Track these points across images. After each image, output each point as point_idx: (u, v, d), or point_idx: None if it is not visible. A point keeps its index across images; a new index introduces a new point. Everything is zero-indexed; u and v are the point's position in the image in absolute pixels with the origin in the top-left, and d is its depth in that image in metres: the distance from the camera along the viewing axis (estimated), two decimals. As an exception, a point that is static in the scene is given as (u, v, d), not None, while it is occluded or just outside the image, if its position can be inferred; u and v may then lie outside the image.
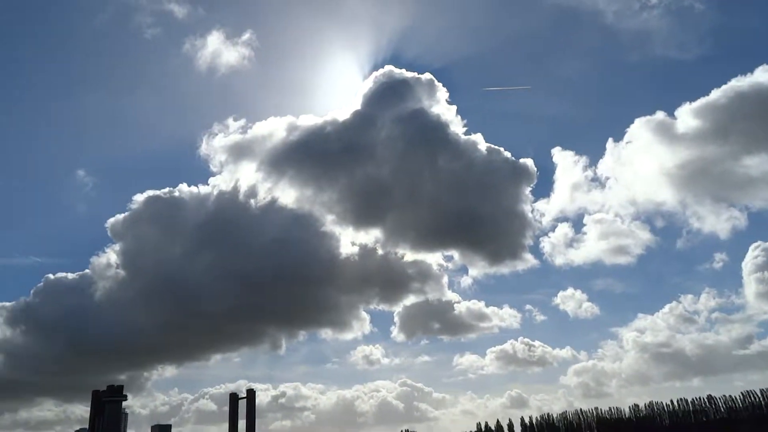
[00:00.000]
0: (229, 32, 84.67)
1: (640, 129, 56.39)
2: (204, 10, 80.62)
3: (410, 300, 59.09)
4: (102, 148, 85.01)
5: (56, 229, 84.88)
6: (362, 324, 59.10)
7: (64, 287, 47.24)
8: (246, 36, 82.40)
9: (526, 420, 52.89)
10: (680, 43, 77.47)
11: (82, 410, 52.24)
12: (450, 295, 67.24)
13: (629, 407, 50.96)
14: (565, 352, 72.01)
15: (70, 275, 48.40)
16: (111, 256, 48.10)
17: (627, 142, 58.98)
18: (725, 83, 52.66)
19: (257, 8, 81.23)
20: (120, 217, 47.03)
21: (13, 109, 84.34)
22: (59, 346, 43.89)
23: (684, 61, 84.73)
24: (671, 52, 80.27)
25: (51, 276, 49.50)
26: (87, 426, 24.25)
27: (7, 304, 50.23)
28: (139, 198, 47.40)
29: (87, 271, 48.38)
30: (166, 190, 47.71)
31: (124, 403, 21.39)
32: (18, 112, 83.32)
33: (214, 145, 53.01)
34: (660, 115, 55.65)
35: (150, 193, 47.11)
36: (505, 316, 72.67)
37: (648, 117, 57.28)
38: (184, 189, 48.85)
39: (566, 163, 65.79)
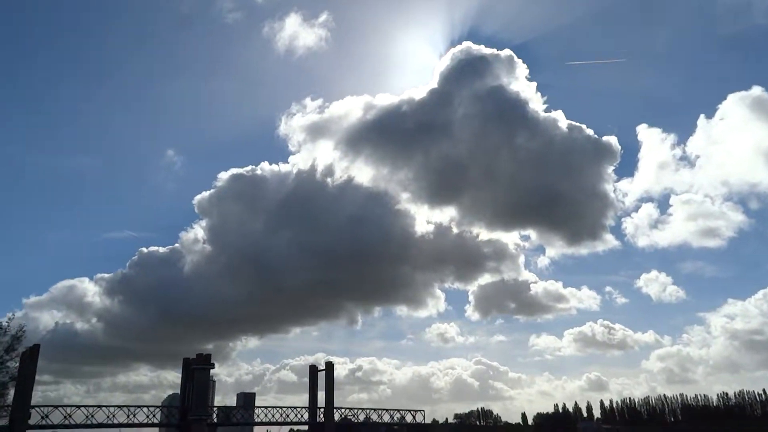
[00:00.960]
0: (306, 14, 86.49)
1: (734, 105, 52.86)
2: None
3: (485, 279, 58.83)
4: (188, 129, 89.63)
5: (148, 205, 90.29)
6: (437, 302, 59.50)
7: (157, 260, 50.26)
8: (323, 18, 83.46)
9: (606, 403, 52.21)
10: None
11: (173, 376, 56.03)
12: (526, 275, 66.28)
13: (717, 395, 48.77)
14: (648, 336, 69.54)
15: (162, 249, 51.39)
16: (198, 231, 50.62)
17: (720, 119, 55.33)
18: None
19: None
20: (206, 194, 49.37)
21: (108, 94, 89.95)
22: (152, 316, 46.82)
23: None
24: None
25: (144, 249, 52.81)
26: (179, 391, 25.87)
27: (106, 275, 53.90)
28: (224, 176, 49.55)
29: (177, 245, 51.28)
30: (249, 168, 49.61)
31: (211, 371, 22.58)
32: (111, 97, 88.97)
33: (293, 125, 54.20)
34: (756, 90, 51.82)
35: (234, 171, 49.14)
36: (584, 297, 70.89)
37: (743, 92, 53.40)
38: (265, 167, 50.64)
39: (652, 140, 62.63)
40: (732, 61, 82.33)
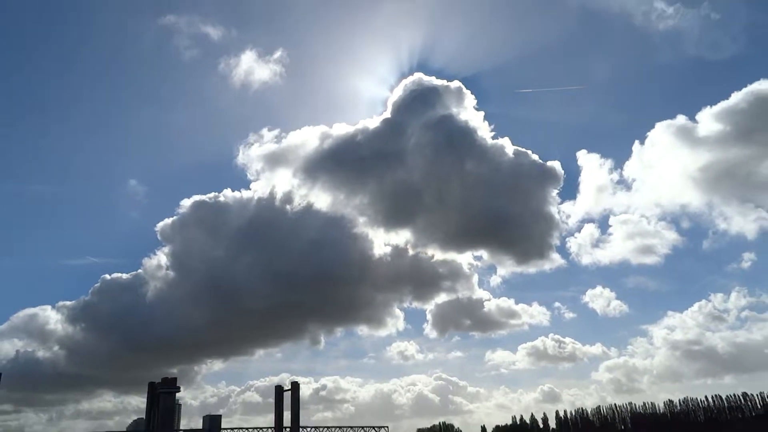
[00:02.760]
0: (261, 51, 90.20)
1: (662, 133, 56.88)
2: (237, 31, 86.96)
3: (442, 298, 60.89)
4: (150, 159, 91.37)
5: (111, 232, 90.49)
6: (396, 321, 61.23)
7: (119, 286, 50.61)
8: (277, 54, 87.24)
9: (561, 414, 54.37)
10: (713, 42, 76.72)
11: (138, 401, 55.83)
12: (480, 293, 68.76)
13: (663, 403, 51.30)
14: (596, 349, 72.70)
15: (124, 275, 51.67)
16: (161, 257, 51.27)
17: (651, 146, 59.53)
18: (747, 86, 52.28)
19: (287, 28, 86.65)
20: (168, 221, 50.08)
21: (72, 123, 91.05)
22: (116, 342, 47.03)
23: (713, 62, 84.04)
24: (704, 52, 79.73)
25: (107, 276, 53.07)
26: (144, 415, 26.63)
27: (68, 303, 53.90)
28: (186, 203, 50.38)
29: (139, 271, 51.68)
30: (211, 195, 50.56)
31: (177, 395, 23.62)
32: (75, 126, 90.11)
33: (251, 155, 56.00)
34: (681, 119, 56.01)
35: (196, 198, 50.00)
36: (535, 313, 73.77)
37: (669, 121, 57.56)
38: (228, 194, 51.63)
39: (592, 165, 66.44)
40: (662, 90, 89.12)
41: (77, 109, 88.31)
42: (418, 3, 78.08)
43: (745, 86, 51.71)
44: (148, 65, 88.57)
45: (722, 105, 51.52)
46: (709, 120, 52.98)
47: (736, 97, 50.31)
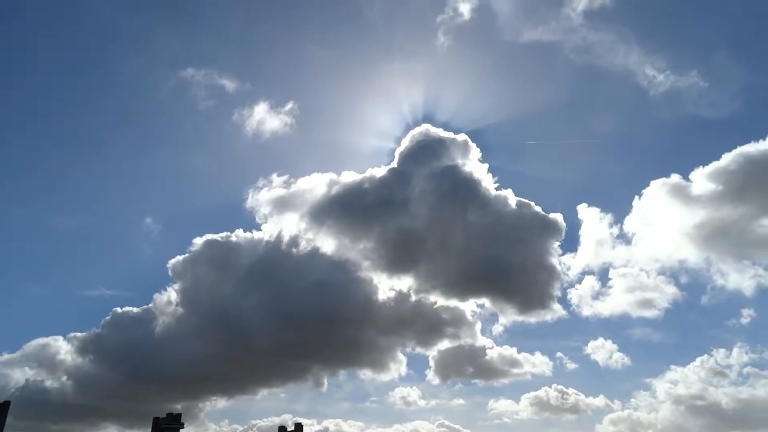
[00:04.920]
0: (273, 103, 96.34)
1: (657, 190, 58.05)
2: (251, 84, 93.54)
3: (445, 344, 61.05)
4: (167, 199, 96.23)
5: (126, 266, 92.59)
6: (399, 366, 61.55)
7: (129, 320, 51.46)
8: (289, 106, 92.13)
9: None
10: (712, 101, 79.14)
11: (141, 435, 56.62)
12: (483, 341, 68.97)
13: (670, 458, 51.19)
14: (599, 401, 72.36)
15: (135, 309, 52.57)
16: (171, 294, 52.46)
17: (647, 202, 60.81)
18: (737, 147, 53.73)
19: (298, 83, 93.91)
20: (180, 258, 51.45)
21: (96, 162, 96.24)
22: (123, 375, 47.53)
23: (708, 121, 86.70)
24: (700, 111, 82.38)
25: (118, 309, 54.29)
26: None
27: (79, 334, 55.01)
28: (198, 241, 51.72)
29: (150, 306, 52.89)
30: (223, 234, 51.99)
31: (180, 431, 24.54)
32: (99, 165, 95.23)
33: (259, 199, 57.99)
34: (675, 177, 57.28)
35: (208, 236, 51.50)
36: (537, 362, 73.74)
37: (664, 179, 58.93)
38: (240, 234, 52.95)
39: (592, 219, 67.62)
40: (660, 147, 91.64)
41: (101, 150, 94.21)
42: (424, 60, 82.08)
43: (735, 147, 53.19)
44: (167, 113, 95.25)
45: (714, 165, 53.01)
46: (702, 179, 54.39)
47: (727, 159, 51.73)
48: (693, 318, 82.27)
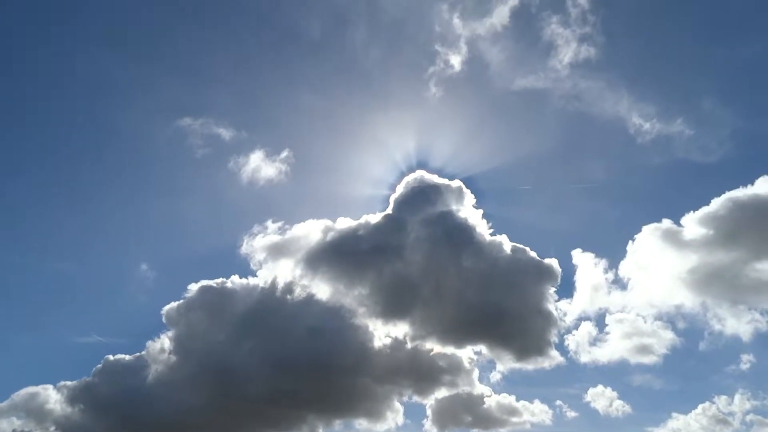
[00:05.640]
0: (268, 151, 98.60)
1: (649, 235, 57.80)
2: (247, 132, 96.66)
3: (442, 392, 59.33)
4: (162, 245, 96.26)
5: (119, 313, 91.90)
6: (396, 415, 59.87)
7: (121, 368, 50.26)
8: (284, 154, 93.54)
9: None
10: (702, 146, 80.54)
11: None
12: (481, 388, 67.10)
13: None
14: (602, 451, 70.66)
15: (127, 357, 51.24)
16: (165, 341, 51.58)
17: (641, 246, 60.64)
18: (728, 191, 54.01)
19: (294, 130, 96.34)
20: (175, 304, 50.60)
21: (94, 207, 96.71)
22: (113, 425, 45.81)
23: (702, 165, 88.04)
24: (693, 155, 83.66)
25: (110, 357, 53.25)
26: None
27: (69, 383, 53.86)
28: (193, 287, 51.18)
29: (143, 353, 52.04)
30: (219, 280, 51.38)
31: None
32: (97, 210, 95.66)
33: (254, 245, 57.85)
34: (666, 222, 57.23)
35: (203, 282, 50.99)
36: (536, 411, 71.81)
37: (656, 224, 58.92)
38: (236, 280, 52.26)
39: (587, 264, 67.60)
40: (651, 192, 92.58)
41: (97, 197, 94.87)
42: (417, 109, 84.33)
43: (724, 192, 53.23)
44: (165, 161, 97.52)
45: (704, 210, 53.08)
46: (693, 224, 54.42)
47: (716, 203, 51.84)
48: (692, 364, 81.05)
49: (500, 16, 68.48)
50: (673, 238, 55.01)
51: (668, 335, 68.58)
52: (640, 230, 72.05)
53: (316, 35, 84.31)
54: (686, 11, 79.60)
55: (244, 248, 70.23)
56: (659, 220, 70.35)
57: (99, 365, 54.55)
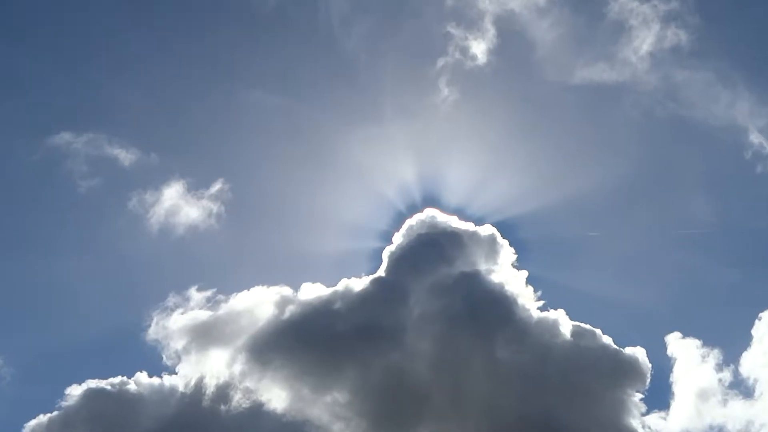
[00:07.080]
0: (191, 182, 70.08)
1: None
2: (158, 155, 67.80)
3: None
4: (24, 331, 71.66)
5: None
6: None
7: None
8: (216, 187, 64.71)
9: None
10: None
11: None
12: None
13: None
14: None
15: None
16: None
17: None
18: None
19: (231, 152, 69.20)
20: (45, 418, 36.57)
21: None
22: None
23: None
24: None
25: None
26: None
27: None
28: (75, 391, 37.26)
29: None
30: (117, 380, 37.04)
31: None
32: None
33: (169, 326, 42.09)
34: None
35: (91, 383, 36.94)
36: None
37: None
38: (141, 379, 37.82)
39: (690, 357, 50.91)
40: None
41: None
42: (422, 120, 62.76)
43: None
44: (28, 197, 70.33)
45: None
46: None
47: None
48: None
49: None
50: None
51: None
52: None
53: (269, 5, 61.32)
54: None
55: (154, 331, 49.67)
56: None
57: None
